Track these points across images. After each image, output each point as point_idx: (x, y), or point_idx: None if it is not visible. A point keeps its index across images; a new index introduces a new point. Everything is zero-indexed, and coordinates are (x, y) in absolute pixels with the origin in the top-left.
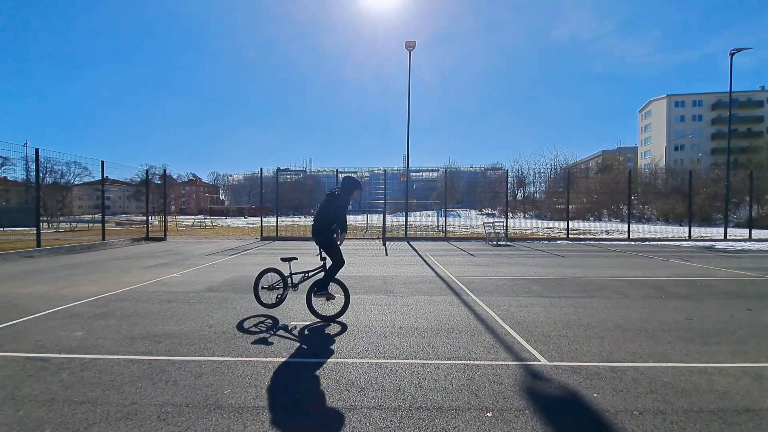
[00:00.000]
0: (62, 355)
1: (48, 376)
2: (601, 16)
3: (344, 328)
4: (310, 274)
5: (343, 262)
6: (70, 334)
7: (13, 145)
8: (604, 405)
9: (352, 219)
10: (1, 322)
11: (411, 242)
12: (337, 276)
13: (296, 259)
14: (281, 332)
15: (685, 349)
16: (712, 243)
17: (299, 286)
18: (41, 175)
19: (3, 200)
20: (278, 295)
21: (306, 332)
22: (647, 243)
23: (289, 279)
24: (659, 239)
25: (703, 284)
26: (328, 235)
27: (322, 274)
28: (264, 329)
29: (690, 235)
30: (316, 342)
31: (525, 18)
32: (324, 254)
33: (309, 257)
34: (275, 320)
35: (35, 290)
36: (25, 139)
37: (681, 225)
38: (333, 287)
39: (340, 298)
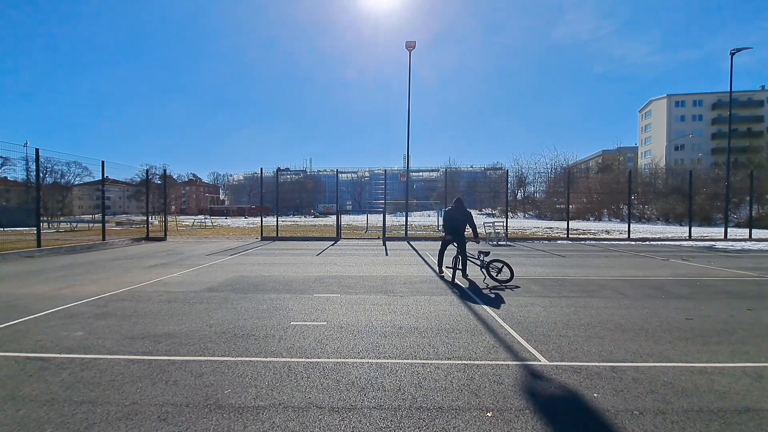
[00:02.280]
0: (62, 355)
1: (48, 376)
2: (601, 17)
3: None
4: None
5: None
6: (70, 334)
7: (13, 145)
8: (604, 405)
9: (352, 219)
10: (2, 322)
11: (411, 242)
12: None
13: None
14: (282, 332)
15: (686, 349)
16: (713, 243)
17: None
18: (41, 175)
19: (3, 200)
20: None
21: (307, 332)
22: (647, 243)
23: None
24: (659, 239)
25: (704, 284)
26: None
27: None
28: (264, 329)
29: (690, 235)
30: (317, 342)
31: (525, 18)
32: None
33: (309, 257)
34: (276, 321)
35: (36, 290)
36: (24, 138)
37: (681, 225)
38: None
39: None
